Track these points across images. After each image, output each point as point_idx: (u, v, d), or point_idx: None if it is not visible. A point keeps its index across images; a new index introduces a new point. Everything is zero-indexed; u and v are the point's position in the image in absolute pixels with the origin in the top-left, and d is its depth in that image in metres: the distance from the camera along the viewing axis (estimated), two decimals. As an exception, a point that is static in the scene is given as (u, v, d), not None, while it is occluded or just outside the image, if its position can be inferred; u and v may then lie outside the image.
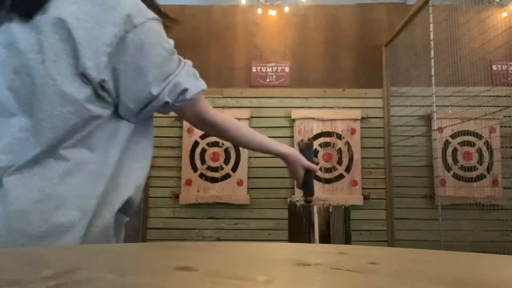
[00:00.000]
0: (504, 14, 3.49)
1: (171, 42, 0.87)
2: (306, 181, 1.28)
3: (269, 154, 1.22)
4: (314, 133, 3.66)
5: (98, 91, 0.78)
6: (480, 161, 3.51)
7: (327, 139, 3.65)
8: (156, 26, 0.83)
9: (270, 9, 3.92)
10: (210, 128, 1.03)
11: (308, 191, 1.34)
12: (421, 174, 3.55)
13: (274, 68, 3.84)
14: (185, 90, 0.85)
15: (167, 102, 0.83)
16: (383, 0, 3.94)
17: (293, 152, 1.23)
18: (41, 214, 0.73)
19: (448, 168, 3.51)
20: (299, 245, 0.75)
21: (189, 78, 0.87)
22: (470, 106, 2.93)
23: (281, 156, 1.22)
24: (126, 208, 0.85)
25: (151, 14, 0.83)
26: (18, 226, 0.72)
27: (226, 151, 3.64)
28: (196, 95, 0.87)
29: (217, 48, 3.88)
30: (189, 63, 0.91)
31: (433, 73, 2.90)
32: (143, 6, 0.83)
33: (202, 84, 0.91)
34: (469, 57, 2.81)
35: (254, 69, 3.84)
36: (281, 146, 1.21)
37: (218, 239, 3.63)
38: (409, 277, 0.41)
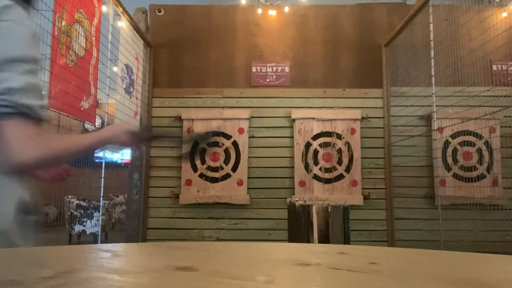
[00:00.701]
0: (504, 14, 3.49)
1: (27, 52, 0.80)
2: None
3: (105, 146, 0.98)
4: (314, 133, 3.65)
5: None
6: (480, 161, 3.51)
7: (327, 139, 3.65)
8: (12, 28, 0.78)
9: (270, 9, 3.92)
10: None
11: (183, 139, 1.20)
12: (421, 174, 3.55)
13: (274, 68, 3.84)
14: (10, 88, 0.74)
15: None
16: (383, 0, 3.94)
17: (116, 128, 1.00)
18: None
19: (448, 168, 3.51)
20: (299, 245, 0.75)
21: (24, 85, 0.76)
22: (470, 106, 2.93)
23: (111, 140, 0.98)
24: (24, 208, 0.82)
25: (14, 15, 0.79)
26: None
27: (226, 151, 3.64)
28: (21, 107, 0.75)
29: (217, 48, 3.88)
30: (40, 85, 0.83)
31: (433, 73, 2.90)
32: (12, 5, 0.79)
33: (36, 102, 0.78)
34: (469, 57, 2.81)
35: (254, 69, 3.84)
36: (104, 132, 0.97)
37: (218, 239, 3.63)
38: (409, 277, 0.41)
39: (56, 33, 2.17)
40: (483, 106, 2.91)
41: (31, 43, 0.80)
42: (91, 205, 5.33)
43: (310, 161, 3.63)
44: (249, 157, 3.64)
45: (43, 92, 0.81)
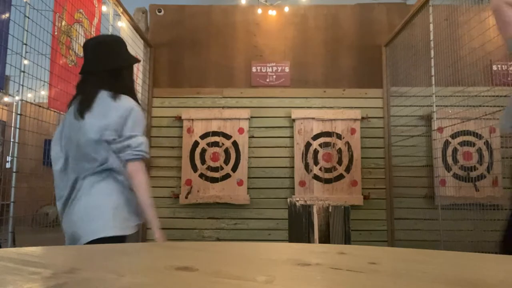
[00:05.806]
0: (504, 14, 3.48)
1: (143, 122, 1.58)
2: None
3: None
4: (314, 133, 3.66)
5: None
6: (480, 161, 3.51)
7: (327, 139, 3.65)
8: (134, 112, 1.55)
9: (270, 9, 3.92)
10: None
11: None
12: (421, 174, 3.55)
13: (274, 68, 3.84)
14: (141, 143, 1.50)
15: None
16: (383, 0, 3.94)
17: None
18: None
19: (448, 168, 3.51)
20: (299, 245, 0.76)
21: (144, 140, 1.55)
22: (470, 106, 2.92)
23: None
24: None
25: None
26: None
27: (226, 151, 3.64)
28: (145, 153, 1.52)
29: (217, 48, 3.88)
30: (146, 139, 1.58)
31: (433, 73, 2.89)
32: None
33: (148, 150, 1.57)
34: (469, 57, 2.80)
35: (254, 69, 3.84)
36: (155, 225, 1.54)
37: (218, 239, 3.63)
38: (409, 277, 0.41)
39: (56, 33, 2.17)
40: (483, 106, 2.90)
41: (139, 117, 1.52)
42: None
43: (310, 161, 3.62)
44: (249, 157, 3.64)
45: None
